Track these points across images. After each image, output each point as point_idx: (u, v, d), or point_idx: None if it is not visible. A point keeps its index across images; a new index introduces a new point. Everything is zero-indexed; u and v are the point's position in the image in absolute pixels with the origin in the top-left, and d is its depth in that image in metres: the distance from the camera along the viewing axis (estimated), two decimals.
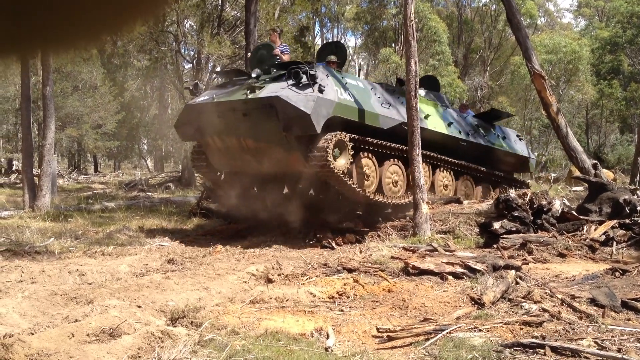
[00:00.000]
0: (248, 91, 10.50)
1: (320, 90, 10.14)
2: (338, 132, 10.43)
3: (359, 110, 10.94)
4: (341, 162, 10.48)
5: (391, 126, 11.59)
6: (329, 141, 10.19)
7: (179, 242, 11.21)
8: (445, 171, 13.46)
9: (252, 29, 17.60)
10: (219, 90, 11.40)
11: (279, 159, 10.82)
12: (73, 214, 14.16)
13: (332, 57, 12.01)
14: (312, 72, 10.22)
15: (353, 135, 10.75)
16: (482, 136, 14.58)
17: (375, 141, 11.25)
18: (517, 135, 16.72)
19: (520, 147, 16.18)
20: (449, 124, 13.55)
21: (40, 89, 17.78)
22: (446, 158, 13.21)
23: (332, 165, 10.21)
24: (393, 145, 11.61)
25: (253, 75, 11.00)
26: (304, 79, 10.15)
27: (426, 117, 12.76)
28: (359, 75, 37.93)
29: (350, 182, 10.69)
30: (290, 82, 10.23)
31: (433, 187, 13.02)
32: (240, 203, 12.28)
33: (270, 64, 11.59)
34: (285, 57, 12.38)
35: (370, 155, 11.38)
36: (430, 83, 15.10)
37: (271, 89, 10.36)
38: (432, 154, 12.74)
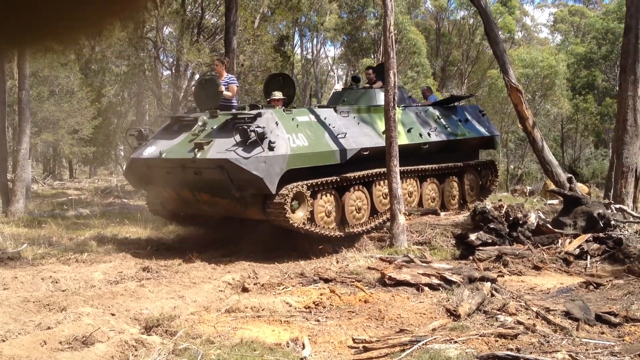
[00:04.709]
0: (196, 150, 9.89)
1: (271, 148, 9.56)
2: (295, 184, 9.92)
3: (313, 155, 10.28)
4: (299, 215, 10.09)
5: (349, 157, 10.90)
6: (286, 196, 9.71)
7: (155, 250, 11.09)
8: (431, 183, 13.19)
9: (231, 37, 17.59)
10: (165, 138, 10.75)
11: (237, 211, 10.47)
12: (47, 220, 13.97)
13: (278, 94, 11.57)
14: (260, 130, 9.53)
15: (311, 182, 10.23)
16: (444, 129, 13.71)
17: (334, 180, 10.69)
18: (480, 111, 15.60)
19: (484, 126, 15.18)
20: (409, 130, 12.67)
21: (17, 93, 17.56)
22: (430, 166, 12.89)
23: (288, 217, 9.77)
24: (353, 175, 11.05)
25: (199, 123, 10.44)
26: (252, 136, 9.45)
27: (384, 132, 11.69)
28: (337, 83, 38.03)
29: (312, 228, 10.28)
30: (238, 138, 9.57)
31: (421, 201, 12.85)
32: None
33: (215, 104, 11.12)
34: (232, 88, 11.80)
35: (330, 192, 10.85)
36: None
37: (219, 147, 9.77)
38: (418, 167, 12.47)
